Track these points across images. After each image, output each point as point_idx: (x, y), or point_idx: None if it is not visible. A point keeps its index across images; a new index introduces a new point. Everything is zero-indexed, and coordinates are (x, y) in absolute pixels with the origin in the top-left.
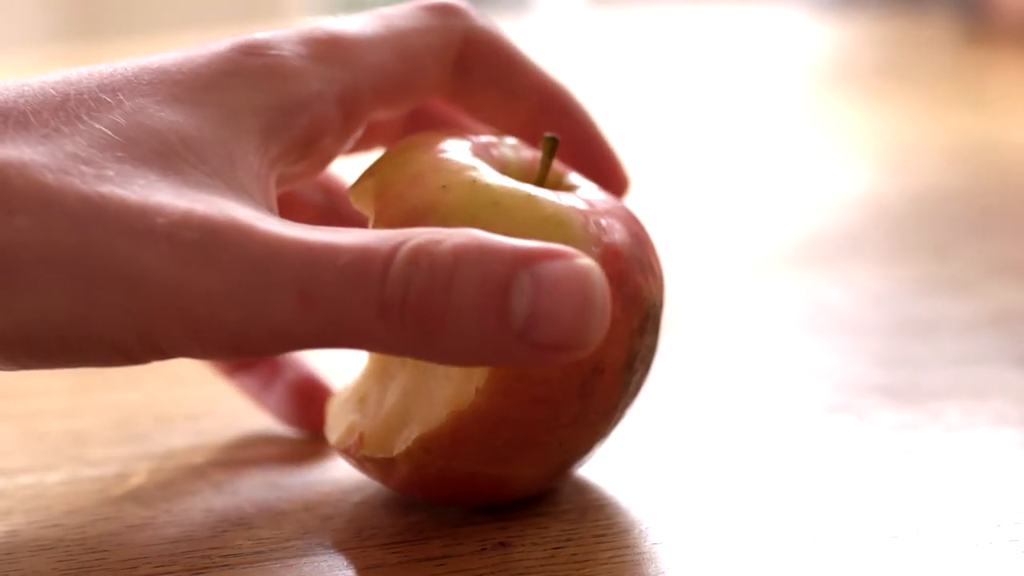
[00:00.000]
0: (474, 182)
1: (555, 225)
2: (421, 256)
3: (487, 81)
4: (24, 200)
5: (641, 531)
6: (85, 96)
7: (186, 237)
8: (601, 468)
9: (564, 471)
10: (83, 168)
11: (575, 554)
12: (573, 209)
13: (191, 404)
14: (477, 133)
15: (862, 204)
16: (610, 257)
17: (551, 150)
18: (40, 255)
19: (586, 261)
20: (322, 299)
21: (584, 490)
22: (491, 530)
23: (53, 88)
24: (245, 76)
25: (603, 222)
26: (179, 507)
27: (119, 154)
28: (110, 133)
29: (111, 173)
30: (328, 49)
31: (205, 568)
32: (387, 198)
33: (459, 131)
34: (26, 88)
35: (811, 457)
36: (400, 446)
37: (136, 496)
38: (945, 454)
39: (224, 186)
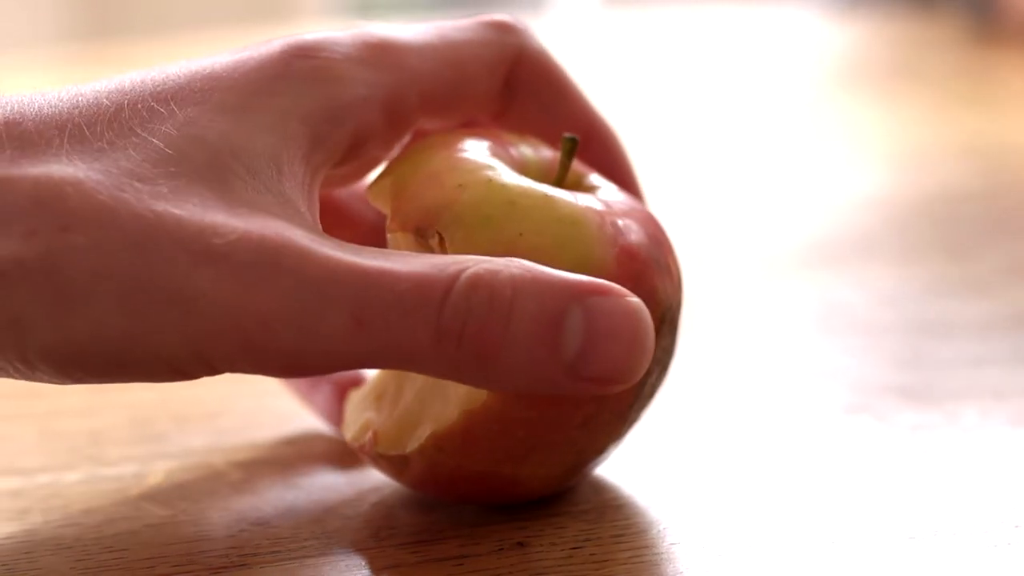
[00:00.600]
0: (490, 181)
1: (570, 225)
2: (481, 287)
3: (533, 103)
4: (80, 218)
5: (659, 531)
6: (139, 106)
7: (243, 259)
8: (619, 468)
9: (578, 472)
10: (137, 185)
11: (593, 554)
12: (589, 209)
13: (208, 403)
14: (497, 133)
15: (876, 204)
16: (625, 258)
17: (570, 150)
18: (95, 272)
19: (634, 300)
20: (377, 324)
21: (602, 490)
22: (509, 530)
23: (107, 98)
24: (294, 80)
25: (620, 223)
26: (197, 506)
27: (172, 169)
28: (163, 147)
29: (165, 190)
30: (377, 53)
31: (223, 567)
32: (403, 197)
33: (479, 131)
34: (80, 99)
35: (828, 458)
36: (413, 444)
37: (154, 495)
38: (962, 455)
39: (274, 201)
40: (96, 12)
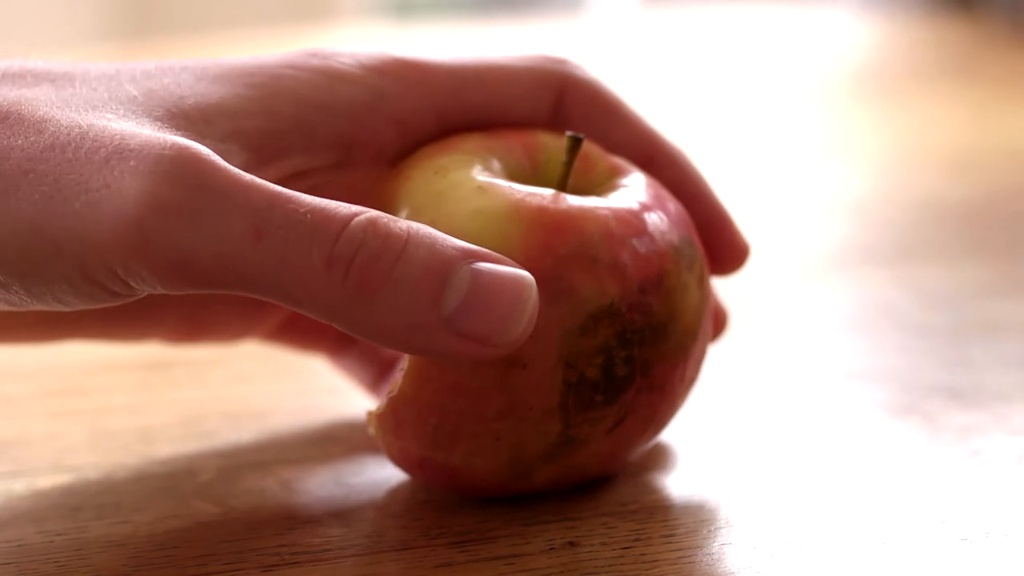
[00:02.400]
0: (435, 174)
1: (485, 218)
2: (379, 226)
3: (583, 130)
4: (23, 127)
5: (710, 532)
6: (137, 72)
7: (153, 156)
8: (668, 468)
9: (530, 470)
10: (84, 107)
11: (644, 554)
12: (519, 206)
13: (258, 401)
14: (528, 137)
15: (923, 205)
16: (537, 253)
17: (571, 149)
18: (23, 168)
19: (524, 273)
20: (275, 237)
21: (650, 490)
22: (559, 529)
23: (118, 66)
24: (299, 70)
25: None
26: (248, 504)
27: (132, 107)
28: (135, 93)
29: (109, 114)
30: (397, 67)
31: (274, 566)
32: (379, 185)
33: (507, 133)
34: (98, 65)
35: (877, 459)
36: (371, 425)
37: (204, 493)
38: (1012, 456)
39: (214, 146)
40: (135, 11)
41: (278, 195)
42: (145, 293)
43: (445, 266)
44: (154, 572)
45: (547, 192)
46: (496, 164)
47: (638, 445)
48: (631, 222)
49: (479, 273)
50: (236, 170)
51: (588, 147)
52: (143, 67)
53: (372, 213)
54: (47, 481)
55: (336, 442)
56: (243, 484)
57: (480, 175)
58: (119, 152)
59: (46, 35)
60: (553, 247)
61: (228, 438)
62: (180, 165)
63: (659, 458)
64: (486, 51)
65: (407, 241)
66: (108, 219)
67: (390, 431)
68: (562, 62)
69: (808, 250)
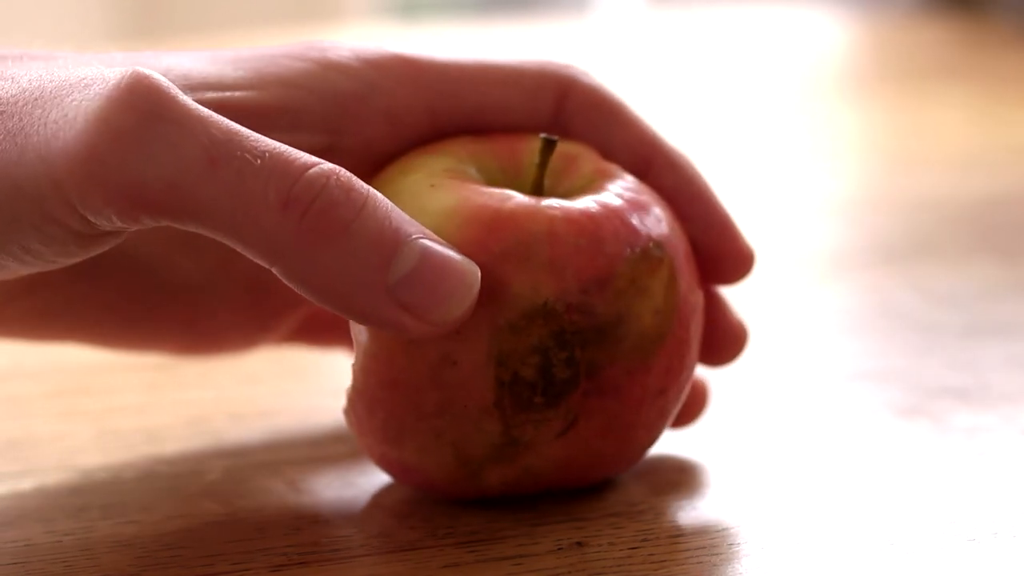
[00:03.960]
0: (401, 172)
1: (425, 215)
2: (342, 176)
3: (586, 133)
4: (2, 79)
5: (718, 532)
6: (131, 54)
7: (112, 81)
8: (675, 469)
9: (479, 470)
10: (59, 64)
11: (652, 554)
12: (461, 203)
13: (264, 402)
14: (513, 141)
15: (929, 206)
16: (473, 249)
17: (543, 150)
18: None
19: (470, 262)
20: (229, 168)
21: (658, 490)
22: (567, 529)
23: (116, 52)
24: (296, 59)
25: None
26: (255, 504)
27: (115, 68)
28: (119, 60)
29: (85, 67)
30: (391, 62)
31: (282, 566)
32: None
33: (490, 137)
34: (95, 54)
35: (885, 459)
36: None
37: (212, 493)
38: (1019, 457)
39: None
40: (142, 12)
41: (238, 131)
42: (112, 232)
43: (399, 234)
44: (162, 572)
45: (503, 192)
46: (472, 166)
47: (603, 453)
48: (581, 223)
49: (429, 250)
50: (196, 104)
51: (578, 150)
52: (141, 53)
53: (335, 166)
54: (54, 481)
55: (343, 442)
56: (250, 484)
57: (441, 175)
58: (80, 85)
59: (53, 34)
60: (487, 244)
61: (235, 438)
62: (136, 92)
63: (666, 459)
64: (490, 53)
65: (367, 198)
66: (62, 149)
67: (353, 425)
68: (566, 67)
69: (809, 252)
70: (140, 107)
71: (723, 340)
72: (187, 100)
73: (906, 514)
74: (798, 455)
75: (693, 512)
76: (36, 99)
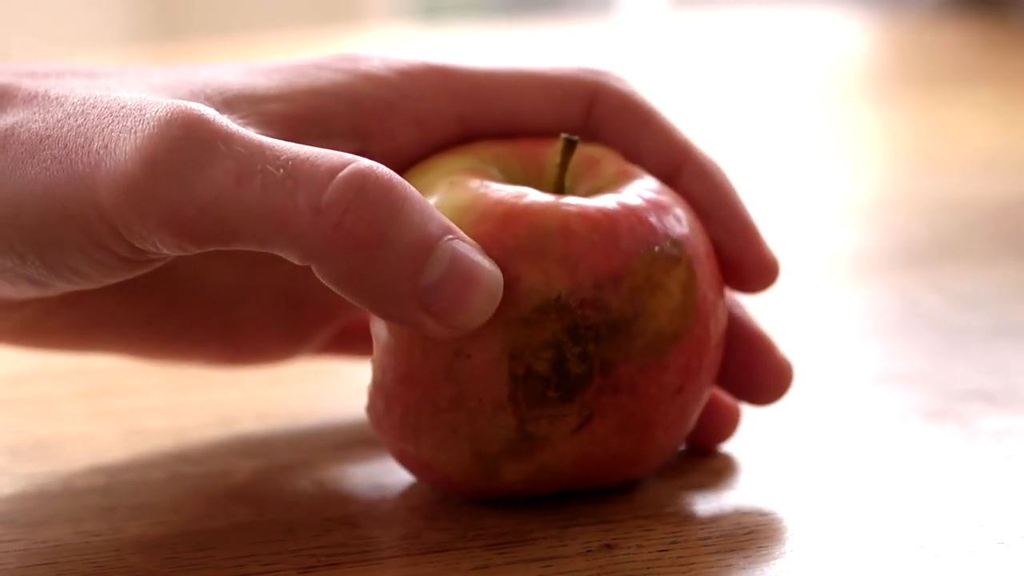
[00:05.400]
0: (423, 171)
1: (441, 210)
2: (381, 177)
3: (616, 138)
4: (48, 100)
5: (747, 535)
6: (169, 69)
7: (150, 117)
8: (703, 471)
9: (496, 467)
10: (103, 89)
11: (681, 557)
12: (477, 199)
13: (292, 403)
14: (535, 145)
15: (951, 207)
16: (485, 240)
17: (564, 151)
18: (40, 136)
19: (498, 272)
20: (253, 182)
21: (687, 493)
22: (595, 531)
23: (154, 67)
24: (326, 69)
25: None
26: (283, 505)
27: (155, 89)
28: (161, 81)
29: (133, 93)
30: (421, 71)
31: (312, 567)
32: None
33: (522, 142)
34: (136, 68)
35: (913, 462)
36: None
37: (240, 494)
38: None
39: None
40: (164, 14)
41: (260, 144)
42: (156, 257)
43: (432, 238)
44: (192, 573)
45: (519, 189)
46: (494, 166)
47: (621, 451)
48: (596, 219)
49: (458, 254)
50: (226, 124)
51: (601, 153)
52: (177, 67)
53: (365, 161)
54: (82, 481)
55: (370, 444)
56: (278, 485)
57: (461, 173)
58: (121, 116)
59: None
60: (501, 239)
61: (262, 439)
62: (169, 122)
63: (694, 462)
64: (520, 60)
65: (405, 199)
66: (105, 179)
67: (374, 423)
68: (599, 73)
69: (830, 254)
70: (173, 136)
71: (768, 379)
72: (216, 122)
73: (935, 517)
74: (826, 458)
75: (722, 515)
76: (80, 126)
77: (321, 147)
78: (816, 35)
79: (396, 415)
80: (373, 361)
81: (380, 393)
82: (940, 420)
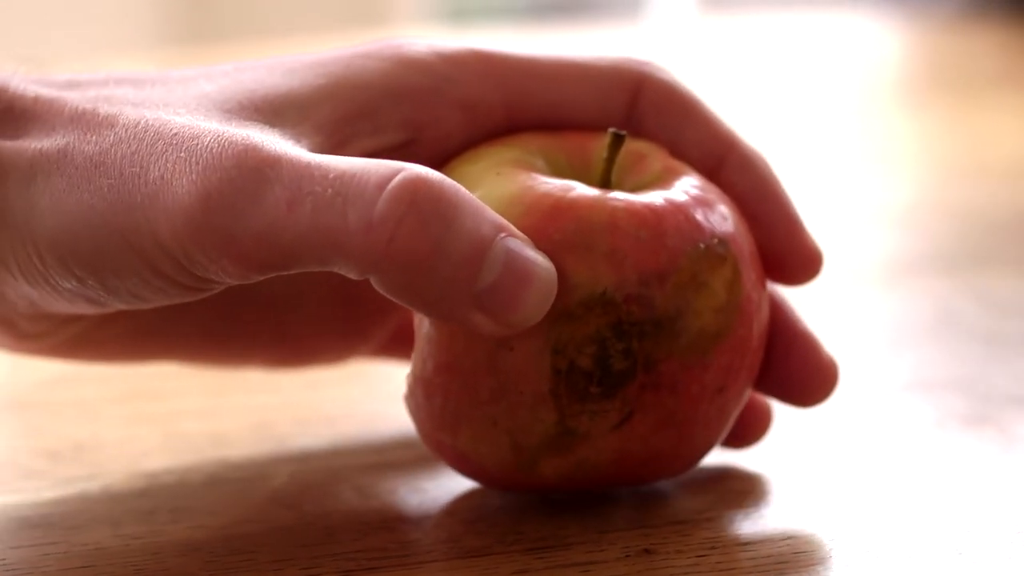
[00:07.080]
0: (470, 162)
1: (488, 202)
2: (433, 187)
3: (660, 130)
4: (97, 121)
5: (785, 541)
6: (215, 72)
7: (202, 145)
8: (741, 477)
9: (534, 460)
10: (160, 104)
11: (720, 562)
12: (524, 191)
13: (329, 407)
14: (584, 138)
15: (989, 213)
16: (532, 232)
17: (611, 145)
18: (94, 161)
19: (551, 265)
20: (304, 204)
21: (724, 498)
22: (635, 536)
23: (199, 69)
24: (369, 58)
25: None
26: (322, 509)
27: (204, 102)
28: (209, 89)
29: (182, 110)
30: (467, 57)
31: (351, 571)
32: None
33: (569, 135)
34: (181, 71)
35: (952, 468)
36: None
37: (279, 498)
38: None
39: (284, 135)
40: (193, 16)
41: (307, 164)
42: (217, 284)
43: (486, 240)
44: None
45: (566, 182)
46: (540, 158)
47: (660, 450)
48: (643, 215)
49: (512, 254)
50: (275, 148)
51: (647, 148)
52: (221, 68)
53: (413, 170)
54: (122, 485)
55: (408, 447)
56: (316, 489)
57: (508, 164)
58: (174, 144)
59: (106, 38)
60: (548, 232)
61: (300, 443)
62: (222, 155)
63: (730, 469)
64: (565, 49)
65: (456, 206)
66: (164, 212)
67: (412, 413)
68: (642, 63)
69: (865, 260)
70: (226, 166)
71: (814, 379)
72: (268, 148)
73: (974, 523)
74: (863, 464)
75: (760, 521)
76: (134, 153)
77: (372, 143)
78: (847, 38)
79: (435, 405)
80: (414, 352)
81: (420, 382)
82: (978, 427)
